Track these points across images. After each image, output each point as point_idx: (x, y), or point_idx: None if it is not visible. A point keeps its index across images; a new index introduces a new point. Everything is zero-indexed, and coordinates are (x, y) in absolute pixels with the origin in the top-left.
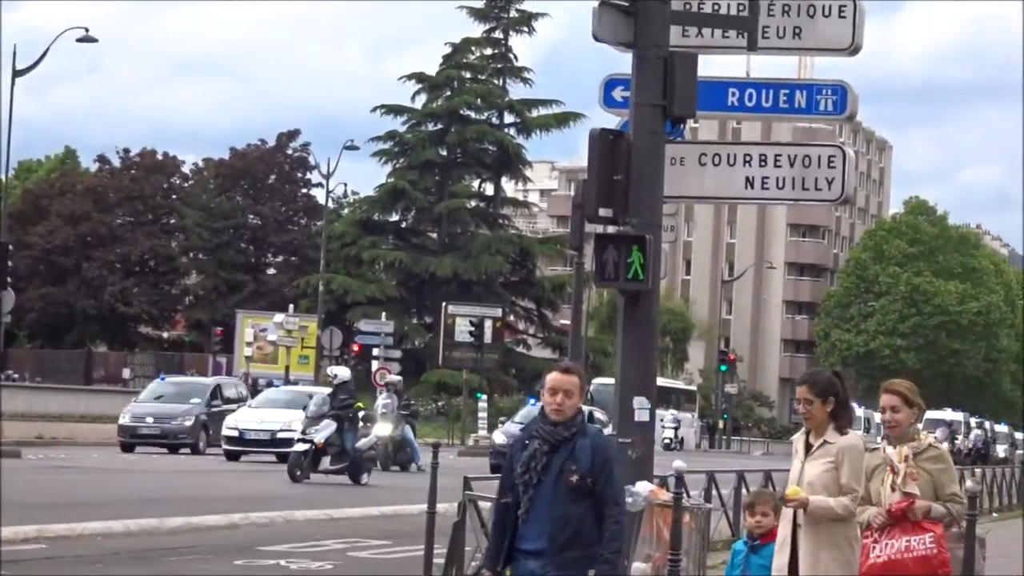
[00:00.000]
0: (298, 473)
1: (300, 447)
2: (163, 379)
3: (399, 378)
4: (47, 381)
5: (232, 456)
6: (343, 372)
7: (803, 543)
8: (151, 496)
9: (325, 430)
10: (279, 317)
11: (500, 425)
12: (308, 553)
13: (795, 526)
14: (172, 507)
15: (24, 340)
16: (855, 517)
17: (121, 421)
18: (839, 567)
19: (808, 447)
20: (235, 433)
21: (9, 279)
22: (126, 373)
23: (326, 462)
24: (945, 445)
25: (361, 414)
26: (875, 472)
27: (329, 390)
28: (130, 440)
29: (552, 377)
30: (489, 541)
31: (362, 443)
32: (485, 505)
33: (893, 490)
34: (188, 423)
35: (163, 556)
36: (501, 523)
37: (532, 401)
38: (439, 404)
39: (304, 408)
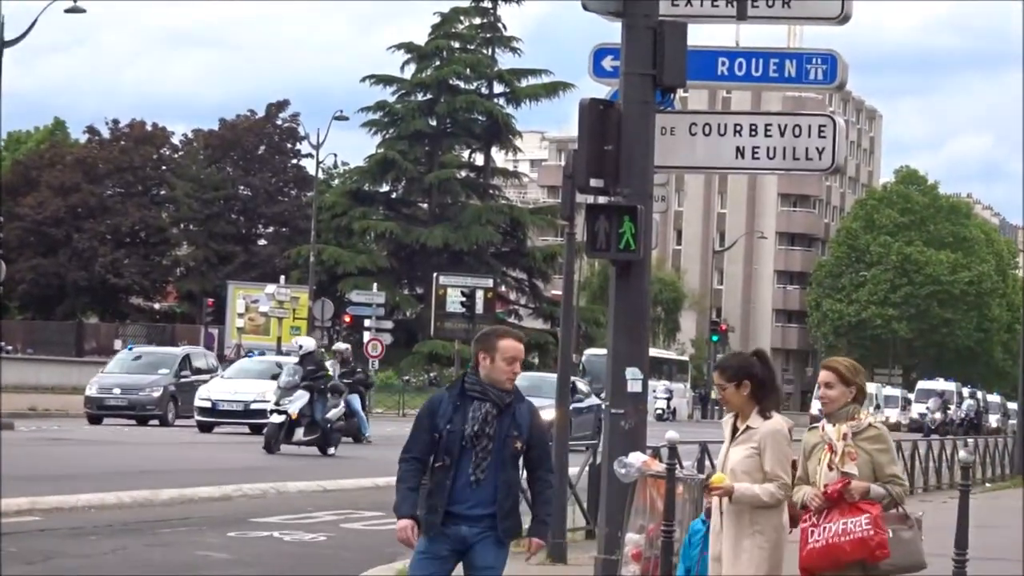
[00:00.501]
0: (273, 445)
1: (276, 419)
2: (131, 349)
3: (346, 346)
4: (39, 353)
5: (205, 428)
6: (308, 342)
7: (726, 530)
8: (143, 468)
9: (299, 401)
10: (270, 288)
11: None
12: (301, 524)
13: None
14: (165, 479)
15: (15, 312)
16: (782, 504)
17: (88, 392)
18: (761, 554)
19: (735, 431)
20: (208, 404)
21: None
22: (118, 344)
23: (299, 433)
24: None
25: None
26: (813, 451)
27: (296, 360)
28: (97, 412)
29: (512, 346)
30: (400, 492)
31: (331, 414)
32: None
33: (830, 469)
34: (156, 394)
35: (156, 527)
36: (435, 481)
37: None
38: (431, 375)
39: (275, 378)
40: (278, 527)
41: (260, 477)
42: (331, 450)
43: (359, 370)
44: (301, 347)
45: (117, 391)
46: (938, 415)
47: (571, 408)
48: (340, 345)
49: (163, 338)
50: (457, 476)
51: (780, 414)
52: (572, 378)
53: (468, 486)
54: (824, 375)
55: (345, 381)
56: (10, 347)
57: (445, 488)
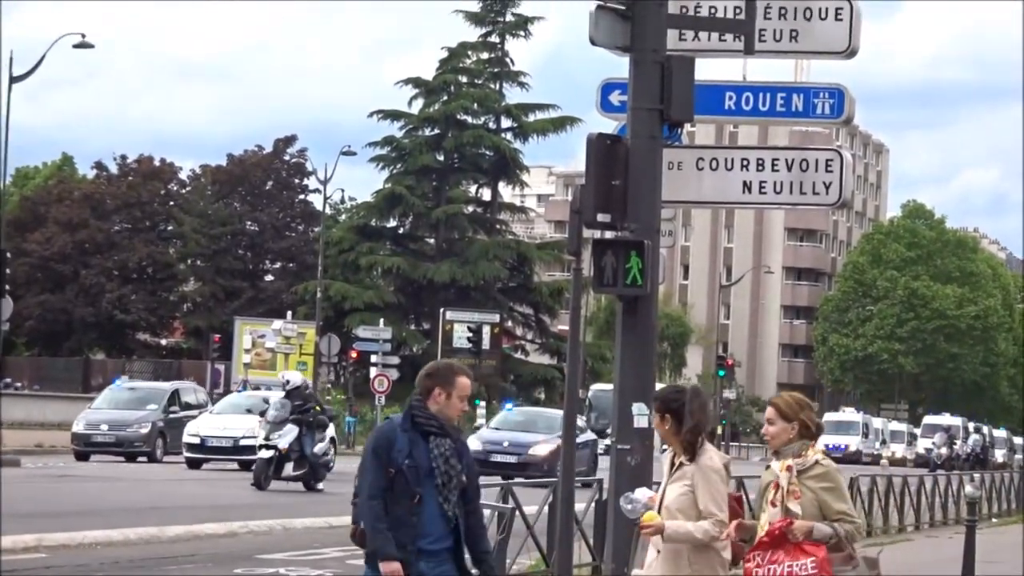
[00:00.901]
0: (263, 481)
1: (265, 454)
2: (119, 385)
3: (301, 378)
4: (45, 389)
5: (193, 464)
6: (295, 377)
7: (661, 570)
8: (149, 505)
9: (288, 435)
10: (277, 324)
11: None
12: (307, 561)
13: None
14: (170, 515)
15: (22, 348)
16: (718, 541)
17: (75, 428)
18: None
19: (672, 466)
20: (196, 440)
21: (7, 286)
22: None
23: (288, 468)
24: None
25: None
26: (765, 489)
27: (282, 394)
28: (84, 448)
29: (468, 384)
30: (381, 534)
31: (318, 448)
32: (484, 513)
33: (774, 506)
34: (144, 430)
35: (163, 564)
36: (397, 518)
37: (508, 406)
38: None
39: (263, 413)
40: (284, 563)
41: (265, 514)
42: (319, 485)
43: (312, 406)
44: (288, 382)
45: (104, 427)
46: (944, 450)
47: None
48: (290, 374)
49: (169, 374)
50: (423, 512)
51: (713, 450)
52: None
53: (437, 521)
54: (768, 411)
55: (293, 417)
56: (18, 384)
57: (412, 524)
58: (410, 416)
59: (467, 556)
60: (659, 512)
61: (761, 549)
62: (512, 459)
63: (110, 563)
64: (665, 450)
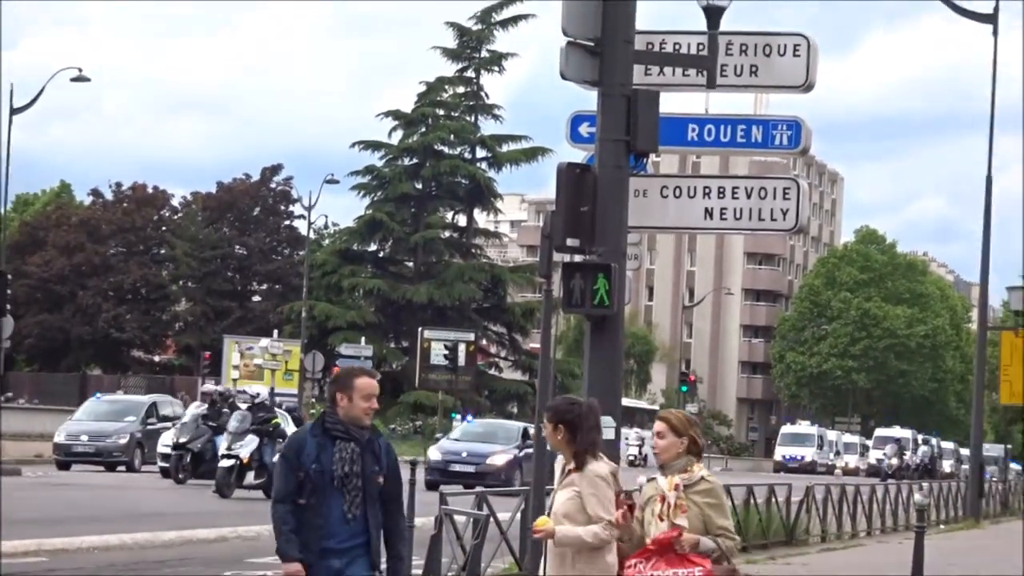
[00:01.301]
0: (225, 490)
1: (226, 463)
2: (98, 398)
3: (259, 390)
4: (44, 403)
5: (166, 473)
6: (262, 390)
7: (550, 569)
8: (143, 511)
9: (249, 445)
10: (264, 342)
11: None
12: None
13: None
14: (163, 521)
15: (22, 364)
16: (608, 545)
17: (56, 439)
18: None
19: (562, 474)
20: (169, 451)
21: (8, 306)
22: (119, 395)
23: (250, 477)
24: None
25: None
26: (648, 502)
27: (246, 406)
28: (64, 458)
29: (368, 383)
30: (284, 535)
31: (276, 458)
32: (460, 519)
33: (661, 520)
34: (123, 441)
35: (157, 568)
36: (304, 520)
37: (469, 419)
38: (416, 424)
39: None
40: (272, 567)
41: (253, 520)
42: None
43: (272, 416)
44: (258, 394)
45: (84, 438)
46: (894, 461)
47: (521, 454)
48: (258, 388)
49: (162, 389)
50: (329, 514)
51: (602, 459)
52: (523, 425)
53: (341, 523)
54: (656, 425)
55: (254, 428)
56: (21, 399)
57: (317, 526)
58: (320, 422)
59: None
60: (549, 517)
61: (643, 557)
62: (470, 468)
63: (107, 567)
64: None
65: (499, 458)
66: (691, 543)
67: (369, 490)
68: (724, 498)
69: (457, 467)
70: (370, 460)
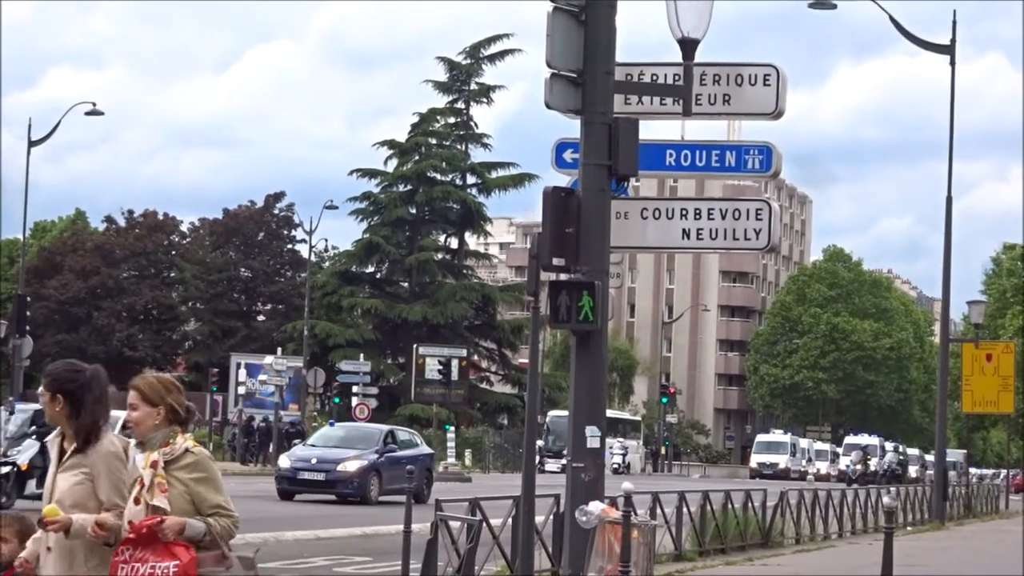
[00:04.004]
0: (3, 499)
1: (2, 469)
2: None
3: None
4: None
5: None
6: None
7: (52, 569)
8: None
9: (28, 451)
10: (268, 359)
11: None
12: (297, 569)
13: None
14: None
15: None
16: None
17: None
18: None
19: (62, 454)
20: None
21: (27, 327)
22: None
23: (31, 485)
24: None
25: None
26: (134, 484)
27: (30, 409)
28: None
29: (130, 393)
30: None
31: None
32: (455, 524)
33: (137, 503)
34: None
35: None
36: None
37: (331, 421)
38: None
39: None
40: (276, 572)
41: (259, 527)
42: None
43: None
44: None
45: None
46: (859, 467)
47: (381, 459)
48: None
49: None
50: None
51: (110, 434)
52: (390, 427)
53: None
54: (129, 395)
55: (32, 430)
56: None
57: None
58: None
59: None
60: (52, 502)
61: (128, 545)
62: (320, 476)
63: None
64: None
65: (351, 464)
66: (175, 529)
67: None
68: (215, 471)
69: (306, 475)
70: None
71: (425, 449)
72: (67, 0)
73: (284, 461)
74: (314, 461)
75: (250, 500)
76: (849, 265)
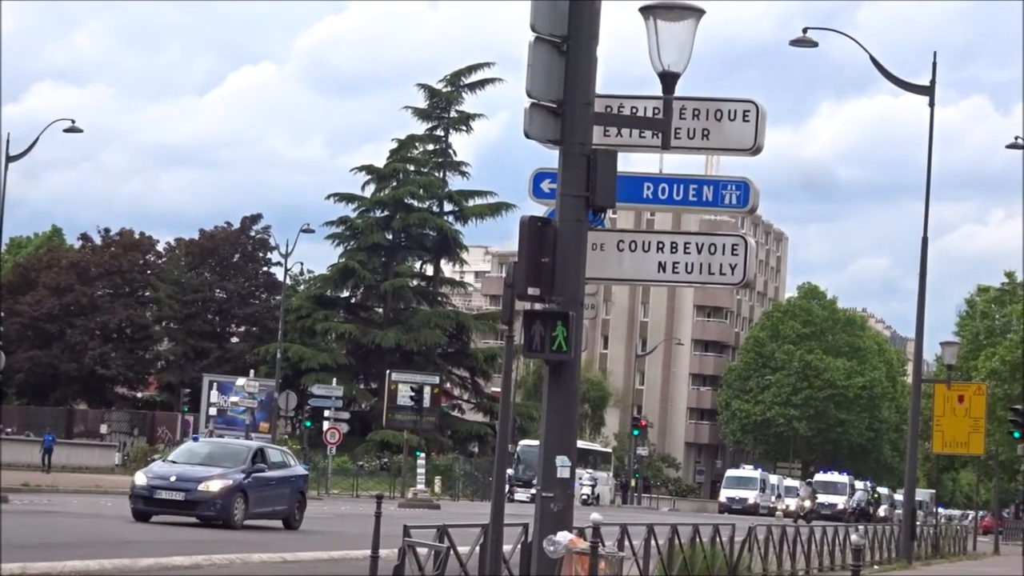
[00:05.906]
0: None
1: None
2: None
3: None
4: (33, 434)
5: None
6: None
7: None
8: (124, 538)
9: None
10: (241, 381)
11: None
12: None
13: None
14: (141, 548)
15: (12, 397)
16: None
17: None
18: None
19: None
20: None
21: (0, 343)
22: (103, 429)
23: None
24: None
25: None
26: None
27: None
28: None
29: None
30: None
31: None
32: (422, 551)
33: None
34: None
35: None
36: None
37: (195, 437)
38: (382, 460)
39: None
40: None
41: (226, 548)
42: None
43: None
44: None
45: None
46: (807, 503)
47: (248, 480)
48: None
49: (144, 424)
50: None
51: None
52: (260, 445)
53: None
54: None
55: None
56: (9, 429)
57: None
58: None
59: None
60: None
61: None
62: (179, 496)
63: None
64: None
65: (214, 484)
66: None
67: None
68: None
69: (164, 494)
70: None
71: (299, 470)
72: (53, 18)
73: (140, 478)
74: (173, 479)
75: (104, 521)
76: (823, 303)
